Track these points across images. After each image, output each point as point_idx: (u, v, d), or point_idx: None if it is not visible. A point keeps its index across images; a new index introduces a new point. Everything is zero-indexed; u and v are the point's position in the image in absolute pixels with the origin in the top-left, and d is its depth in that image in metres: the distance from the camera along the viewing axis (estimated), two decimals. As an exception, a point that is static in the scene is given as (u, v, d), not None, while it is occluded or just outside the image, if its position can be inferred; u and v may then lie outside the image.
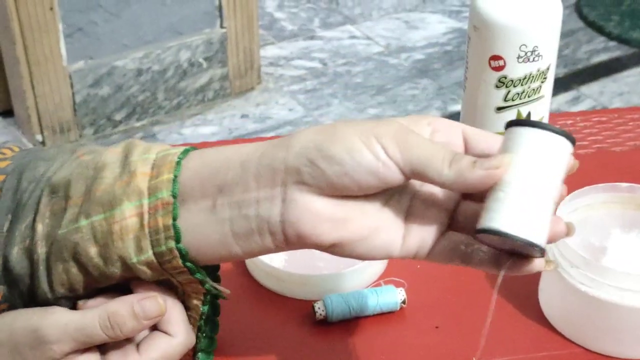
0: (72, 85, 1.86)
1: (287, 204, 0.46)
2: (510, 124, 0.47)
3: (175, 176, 0.48)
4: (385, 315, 0.64)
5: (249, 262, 0.68)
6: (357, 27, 2.39)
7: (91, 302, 0.50)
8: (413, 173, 0.46)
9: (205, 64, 2.02)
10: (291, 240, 0.47)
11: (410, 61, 2.24)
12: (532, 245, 0.44)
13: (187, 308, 0.52)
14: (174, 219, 0.47)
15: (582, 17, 2.41)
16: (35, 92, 1.83)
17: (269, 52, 2.26)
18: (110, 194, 0.48)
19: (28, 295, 0.51)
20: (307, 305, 0.64)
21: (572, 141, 0.47)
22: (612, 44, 2.31)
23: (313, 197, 0.46)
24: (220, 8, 1.97)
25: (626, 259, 0.61)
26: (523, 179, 0.45)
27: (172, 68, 1.98)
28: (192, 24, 1.96)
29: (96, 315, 0.48)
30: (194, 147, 0.51)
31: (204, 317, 0.52)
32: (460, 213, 0.49)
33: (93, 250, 0.48)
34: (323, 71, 2.20)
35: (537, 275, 0.65)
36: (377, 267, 0.67)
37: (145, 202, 0.48)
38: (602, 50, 2.29)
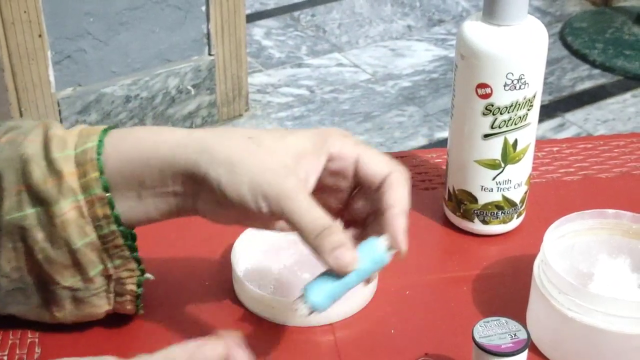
0: (60, 112, 1.86)
1: (200, 204, 0.55)
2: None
3: (102, 173, 0.54)
4: (374, 341, 0.64)
5: (238, 288, 0.68)
6: (344, 54, 2.40)
7: None
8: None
9: (193, 91, 2.02)
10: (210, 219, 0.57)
11: (397, 88, 2.25)
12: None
13: (122, 294, 0.59)
14: (112, 208, 0.54)
15: (567, 45, 2.43)
16: (23, 118, 1.83)
17: (257, 79, 2.27)
18: (45, 191, 0.53)
19: None
20: (296, 331, 0.64)
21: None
22: (596, 71, 2.34)
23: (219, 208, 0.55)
24: (208, 36, 1.98)
25: (613, 285, 0.62)
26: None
27: (161, 95, 1.98)
28: (181, 52, 1.97)
29: None
30: (107, 128, 0.56)
31: (139, 297, 0.60)
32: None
33: (40, 235, 0.54)
34: (310, 98, 2.21)
35: (525, 302, 0.65)
36: (366, 293, 0.67)
37: (81, 197, 0.54)
38: (586, 77, 2.31)
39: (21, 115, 1.82)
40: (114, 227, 0.55)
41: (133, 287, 0.59)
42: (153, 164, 0.54)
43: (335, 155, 0.56)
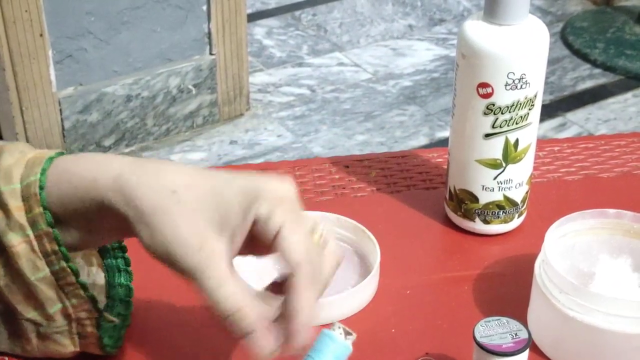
0: (61, 112, 1.87)
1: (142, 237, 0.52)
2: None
3: (45, 208, 0.52)
4: (375, 341, 0.64)
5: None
6: (346, 54, 2.40)
7: None
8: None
9: (194, 91, 2.02)
10: None
11: (397, 88, 2.25)
12: None
13: (85, 336, 0.57)
14: (59, 245, 0.53)
15: (568, 44, 2.43)
16: (24, 117, 1.83)
17: (258, 78, 2.27)
18: None
19: None
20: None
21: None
22: (597, 71, 2.34)
23: None
24: (209, 35, 1.98)
25: (614, 285, 0.62)
26: None
27: (162, 94, 1.98)
28: (182, 51, 1.97)
29: None
30: (52, 156, 0.54)
31: (102, 339, 0.57)
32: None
33: None
34: (311, 98, 2.21)
35: (526, 301, 0.65)
36: (366, 294, 0.67)
37: (30, 232, 0.53)
38: (587, 77, 2.31)
39: (22, 114, 1.82)
40: (63, 263, 0.53)
41: (93, 330, 0.57)
42: (89, 205, 0.52)
43: (262, 219, 0.51)
